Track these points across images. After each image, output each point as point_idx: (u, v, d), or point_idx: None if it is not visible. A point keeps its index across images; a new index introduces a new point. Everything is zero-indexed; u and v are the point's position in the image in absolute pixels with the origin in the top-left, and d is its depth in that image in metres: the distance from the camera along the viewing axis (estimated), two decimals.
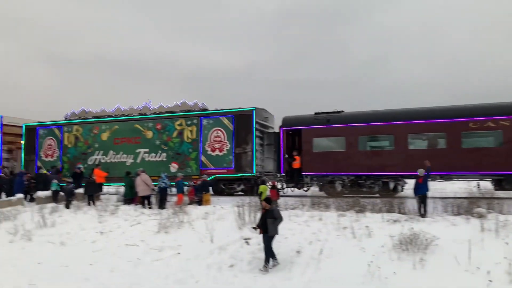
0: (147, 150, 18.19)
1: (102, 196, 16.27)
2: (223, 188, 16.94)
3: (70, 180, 15.86)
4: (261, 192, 13.30)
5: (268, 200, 9.39)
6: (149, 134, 18.20)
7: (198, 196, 14.47)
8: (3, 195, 16.68)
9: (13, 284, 8.34)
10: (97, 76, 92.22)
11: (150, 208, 14.22)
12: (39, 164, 19.73)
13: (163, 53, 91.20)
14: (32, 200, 16.34)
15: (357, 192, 15.38)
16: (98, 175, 16.23)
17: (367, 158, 15.82)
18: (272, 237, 8.92)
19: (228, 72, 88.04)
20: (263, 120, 17.77)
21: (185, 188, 15.21)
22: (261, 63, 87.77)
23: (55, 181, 15.69)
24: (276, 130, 17.97)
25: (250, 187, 17.13)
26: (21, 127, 20.76)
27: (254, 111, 16.75)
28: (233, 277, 8.47)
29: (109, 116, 19.37)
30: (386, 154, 15.68)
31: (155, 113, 18.57)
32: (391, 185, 15.67)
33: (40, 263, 9.79)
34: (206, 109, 17.95)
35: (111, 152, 18.82)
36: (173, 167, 15.61)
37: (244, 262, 8.91)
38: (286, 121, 17.13)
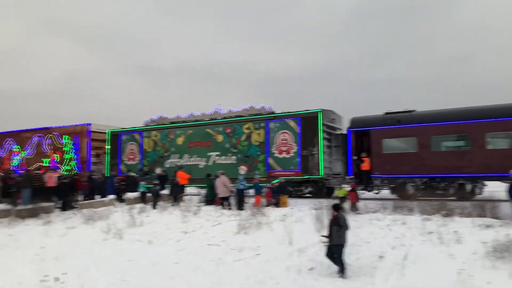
0: (218, 153, 18.81)
1: (185, 197, 17.03)
2: (291, 190, 16.83)
3: (156, 182, 16.79)
4: (341, 196, 13.10)
5: (336, 207, 9.01)
6: (220, 138, 18.85)
7: (276, 198, 14.59)
8: (97, 196, 18.16)
9: (107, 280, 8.97)
10: (179, 83, 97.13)
11: (229, 209, 14.60)
12: (122, 167, 21.07)
13: (240, 58, 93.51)
14: (122, 200, 17.56)
15: (430, 195, 14.49)
16: (181, 177, 17.00)
17: (441, 159, 14.95)
18: (339, 246, 8.49)
19: (305, 73, 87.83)
20: (331, 121, 17.55)
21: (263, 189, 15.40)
22: (338, 63, 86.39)
23: (143, 183, 16.71)
24: (345, 131, 17.52)
25: (318, 189, 16.93)
26: (106, 133, 22.35)
27: (320, 113, 16.59)
28: (313, 281, 8.37)
29: (183, 122, 20.31)
30: (462, 154, 14.72)
31: (225, 118, 19.18)
32: (468, 187, 14.59)
33: (131, 260, 10.42)
34: (273, 113, 18.20)
35: (186, 155, 19.67)
36: (242, 170, 16.02)
37: (324, 266, 8.78)
38: (354, 122, 16.80)
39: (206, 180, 16.35)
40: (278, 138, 17.43)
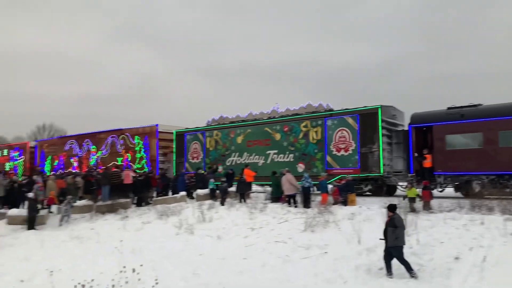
0: (276, 151, 18.95)
1: (251, 194, 17.29)
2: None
3: (224, 179, 17.22)
4: (410, 197, 12.63)
5: (391, 207, 8.75)
6: (277, 136, 18.96)
7: (343, 196, 14.35)
8: (170, 193, 19.00)
9: (180, 273, 9.37)
10: (244, 82, 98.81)
11: (295, 206, 14.60)
12: (187, 165, 21.90)
13: (304, 56, 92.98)
14: (192, 197, 18.22)
15: (499, 193, 13.35)
16: (248, 174, 17.27)
17: (510, 155, 13.83)
18: (397, 248, 8.25)
19: (372, 67, 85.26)
20: (391, 117, 17.01)
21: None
22: (404, 57, 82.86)
23: (212, 180, 17.20)
24: (407, 127, 16.77)
25: (378, 188, 16.43)
26: (172, 133, 23.40)
27: (379, 109, 16.07)
28: (384, 281, 8.14)
29: (242, 121, 20.70)
30: None
31: (282, 116, 19.24)
32: None
33: (201, 254, 10.79)
34: (330, 110, 17.95)
35: (245, 153, 20.03)
36: (300, 167, 16.18)
37: (395, 266, 8.49)
38: (415, 118, 16.19)
39: (272, 177, 16.47)
40: (336, 136, 17.18)
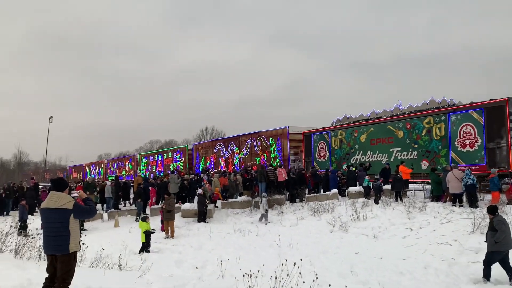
0: (399, 148, 18.79)
1: (408, 193, 16.39)
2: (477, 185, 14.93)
3: (378, 176, 16.69)
4: None
5: (490, 209, 8.27)
6: (400, 133, 18.80)
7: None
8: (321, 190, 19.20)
9: (338, 270, 9.43)
10: (398, 74, 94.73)
11: (461, 206, 13.34)
12: (315, 164, 22.51)
13: (463, 42, 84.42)
14: (343, 194, 18.10)
15: None
16: (404, 171, 16.44)
17: None
18: (492, 253, 7.83)
19: None
20: None
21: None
22: None
23: (367, 177, 16.84)
24: None
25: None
26: (301, 134, 24.53)
27: (507, 102, 14.82)
28: None
29: (365, 120, 20.91)
30: None
31: (405, 113, 19.06)
32: None
33: (357, 253, 10.68)
34: (454, 105, 17.35)
35: (369, 152, 20.24)
36: (424, 165, 16.05)
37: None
38: None
39: (431, 175, 15.35)
40: (460, 131, 16.38)
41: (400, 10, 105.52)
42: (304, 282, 5.71)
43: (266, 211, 16.16)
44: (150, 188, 20.73)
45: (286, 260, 7.81)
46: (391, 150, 19.13)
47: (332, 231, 13.52)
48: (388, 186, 16.43)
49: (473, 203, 13.11)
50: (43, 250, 6.50)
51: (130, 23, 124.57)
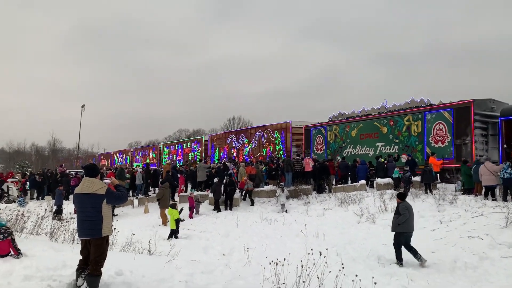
0: (383, 143, 20.53)
1: (438, 185, 16.06)
2: (448, 177, 17.17)
3: (407, 168, 16.42)
4: None
5: (400, 195, 9.68)
6: (385, 129, 20.47)
7: None
8: (349, 181, 19.05)
9: (364, 261, 9.39)
10: (428, 66, 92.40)
11: (494, 199, 12.98)
12: (313, 156, 23.03)
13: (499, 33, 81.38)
14: (372, 186, 17.90)
15: None
16: (434, 163, 16.08)
17: None
18: (398, 234, 9.10)
19: None
20: (489, 110, 17.28)
21: None
22: None
23: (397, 169, 16.60)
24: None
25: None
26: (302, 128, 26.00)
27: (472, 103, 16.67)
28: None
29: (357, 116, 22.58)
30: None
31: (390, 111, 20.70)
32: None
33: (385, 244, 10.55)
34: (430, 105, 18.94)
35: (358, 145, 21.92)
36: (403, 158, 17.46)
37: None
38: (505, 111, 16.25)
39: (462, 167, 14.97)
40: (434, 129, 18.03)
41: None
42: (330, 272, 5.72)
43: (283, 205, 16.48)
44: (178, 175, 21.08)
45: (312, 249, 7.85)
46: (376, 144, 20.89)
47: (359, 222, 13.42)
48: (417, 178, 16.17)
49: (506, 196, 12.74)
50: (77, 234, 6.75)
51: (164, 16, 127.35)
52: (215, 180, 18.11)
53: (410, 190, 15.39)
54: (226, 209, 17.23)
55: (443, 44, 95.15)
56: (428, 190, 15.05)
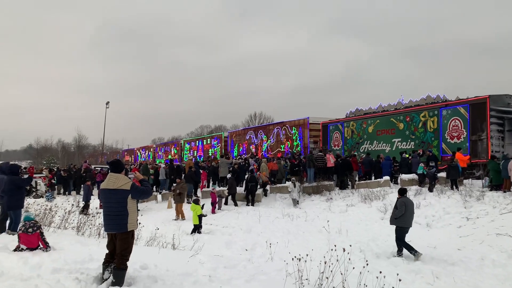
0: (399, 139, 20.49)
1: (465, 181, 15.70)
2: (476, 174, 16.63)
3: (432, 164, 16.12)
4: None
5: (400, 191, 9.90)
6: (401, 125, 20.45)
7: None
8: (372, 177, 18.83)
9: (389, 257, 9.26)
10: (458, 61, 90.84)
11: None
12: (337, 152, 22.73)
13: None
14: (396, 182, 17.63)
15: None
16: (461, 159, 15.74)
17: None
18: (398, 228, 9.38)
19: None
20: (505, 106, 17.19)
21: None
22: None
23: (421, 164, 16.31)
24: None
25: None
26: (319, 124, 26.03)
27: (488, 99, 16.50)
28: None
29: (373, 113, 22.52)
30: None
31: (406, 107, 20.63)
32: None
33: (409, 241, 10.32)
34: (446, 100, 18.81)
35: (375, 141, 21.90)
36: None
37: None
38: None
39: (490, 162, 14.58)
40: (450, 124, 17.95)
41: None
42: (354, 268, 5.68)
43: (295, 200, 16.72)
44: (201, 171, 21.26)
45: (335, 245, 7.80)
46: (393, 140, 20.83)
47: (383, 218, 13.27)
48: (443, 174, 15.87)
49: None
50: (103, 228, 6.89)
51: (190, 15, 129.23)
52: (229, 176, 18.31)
53: (435, 186, 15.10)
54: (247, 204, 17.29)
55: (470, 37, 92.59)
56: (454, 186, 14.73)
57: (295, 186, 17.04)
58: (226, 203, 17.66)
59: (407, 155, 18.07)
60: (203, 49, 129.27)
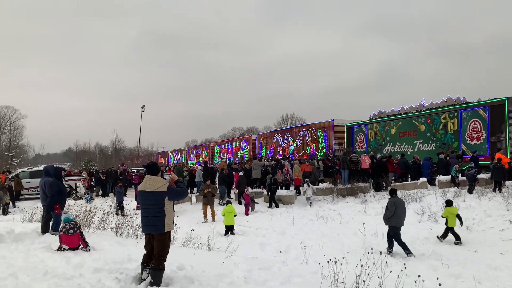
0: (421, 141, 20.68)
1: (507, 183, 15.07)
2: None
3: (472, 165, 15.62)
4: None
5: (390, 191, 10.25)
6: (422, 127, 20.64)
7: None
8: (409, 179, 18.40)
9: (427, 261, 9.01)
10: (496, 60, 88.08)
11: None
12: (371, 153, 22.35)
13: None
14: (434, 184, 17.13)
15: None
16: (504, 159, 15.11)
17: None
18: (391, 228, 9.67)
19: None
20: None
21: None
22: None
23: (456, 166, 15.83)
24: None
25: None
26: (344, 126, 26.39)
27: (507, 101, 16.46)
28: None
29: (396, 115, 22.80)
30: None
31: (427, 110, 20.81)
32: None
33: (447, 244, 10.10)
34: (466, 103, 19.13)
35: (397, 143, 22.17)
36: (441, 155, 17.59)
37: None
38: None
39: None
40: (469, 126, 18.05)
41: None
42: (391, 271, 5.55)
43: (308, 199, 17.24)
44: (233, 173, 21.39)
45: (372, 248, 7.67)
46: (415, 142, 21.03)
47: (420, 221, 12.95)
48: (483, 175, 15.32)
49: None
50: (140, 229, 7.05)
51: (226, 19, 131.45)
52: (240, 173, 19.09)
53: (476, 187, 14.58)
54: (270, 206, 17.40)
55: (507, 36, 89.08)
56: (497, 188, 14.16)
57: (309, 186, 17.54)
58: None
59: (443, 156, 17.55)
60: (239, 52, 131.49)
